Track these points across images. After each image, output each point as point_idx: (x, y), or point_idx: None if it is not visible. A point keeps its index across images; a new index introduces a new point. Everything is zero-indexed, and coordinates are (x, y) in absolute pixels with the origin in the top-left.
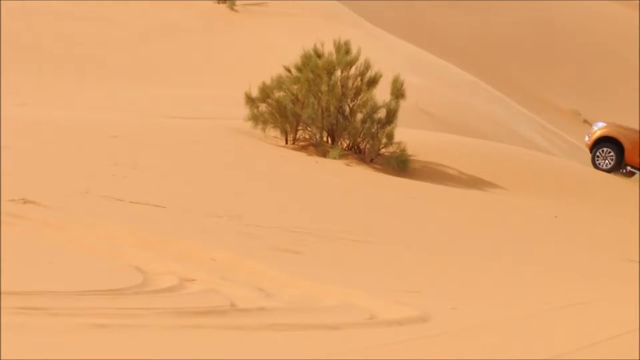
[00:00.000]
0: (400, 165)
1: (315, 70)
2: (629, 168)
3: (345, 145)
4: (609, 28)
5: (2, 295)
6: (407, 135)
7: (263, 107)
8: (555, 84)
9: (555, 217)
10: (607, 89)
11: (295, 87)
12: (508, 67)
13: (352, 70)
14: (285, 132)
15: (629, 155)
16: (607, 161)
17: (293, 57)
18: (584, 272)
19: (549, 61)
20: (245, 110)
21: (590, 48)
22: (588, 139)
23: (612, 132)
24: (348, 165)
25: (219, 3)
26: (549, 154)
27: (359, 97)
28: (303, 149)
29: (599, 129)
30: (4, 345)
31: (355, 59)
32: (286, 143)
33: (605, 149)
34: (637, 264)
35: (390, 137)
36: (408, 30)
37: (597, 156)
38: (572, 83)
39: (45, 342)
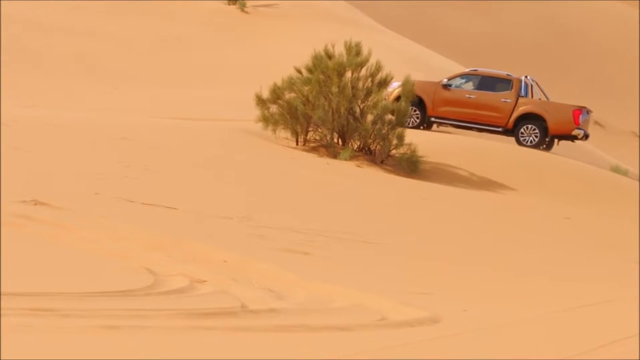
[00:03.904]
0: (410, 166)
1: (325, 71)
2: (432, 120)
3: (355, 146)
4: (617, 28)
5: (12, 297)
6: (417, 136)
7: (274, 108)
8: (563, 84)
9: (567, 218)
10: (618, 89)
11: (306, 88)
12: (514, 67)
13: (363, 72)
14: (295, 134)
15: (430, 108)
16: (412, 119)
17: (304, 58)
18: (590, 274)
19: (556, 61)
20: (256, 112)
21: (600, 49)
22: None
23: None
24: (359, 166)
25: (229, 4)
26: (558, 155)
27: (370, 98)
28: (314, 150)
29: (394, 89)
30: (14, 346)
31: (366, 60)
32: (297, 144)
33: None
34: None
35: (400, 138)
36: (415, 30)
37: None
38: (581, 83)
39: (55, 343)
